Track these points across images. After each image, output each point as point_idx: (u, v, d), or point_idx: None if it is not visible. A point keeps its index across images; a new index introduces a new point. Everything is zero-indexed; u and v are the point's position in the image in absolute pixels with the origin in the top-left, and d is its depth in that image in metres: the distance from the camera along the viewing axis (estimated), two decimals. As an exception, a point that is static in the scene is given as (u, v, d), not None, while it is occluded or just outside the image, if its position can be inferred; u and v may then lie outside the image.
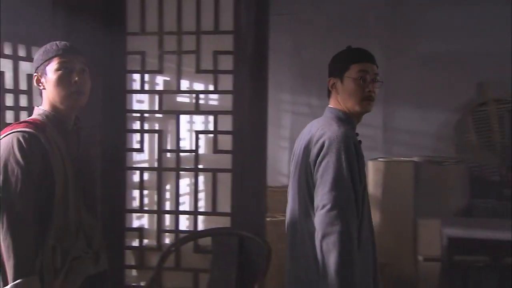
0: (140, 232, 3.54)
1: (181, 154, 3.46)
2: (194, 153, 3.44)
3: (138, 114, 3.52)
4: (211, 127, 3.46)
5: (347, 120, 2.25)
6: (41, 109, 2.10)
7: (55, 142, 2.02)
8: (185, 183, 3.66)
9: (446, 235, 3.73)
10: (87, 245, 2.08)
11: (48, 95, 2.08)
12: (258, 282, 3.07)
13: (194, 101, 3.45)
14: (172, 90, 3.49)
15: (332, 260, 1.99)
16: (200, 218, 3.53)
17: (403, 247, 5.01)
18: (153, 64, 3.48)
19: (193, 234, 3.42)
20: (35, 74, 2.10)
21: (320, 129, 2.16)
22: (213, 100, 3.65)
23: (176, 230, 3.49)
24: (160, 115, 3.56)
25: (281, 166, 6.07)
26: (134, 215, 3.59)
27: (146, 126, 3.53)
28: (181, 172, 3.49)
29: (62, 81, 2.05)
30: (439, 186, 5.19)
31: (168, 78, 3.58)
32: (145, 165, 3.66)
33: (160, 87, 3.61)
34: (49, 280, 1.97)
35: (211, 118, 3.47)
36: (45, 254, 1.96)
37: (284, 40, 5.81)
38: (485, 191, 5.39)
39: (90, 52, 3.29)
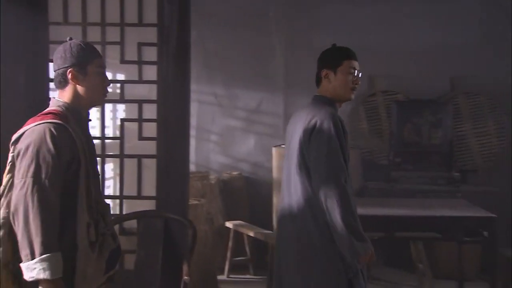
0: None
1: (106, 141, 3.59)
2: (119, 140, 3.57)
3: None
4: (135, 116, 3.60)
5: (332, 104, 2.70)
6: (60, 101, 2.24)
7: (76, 132, 2.16)
8: (109, 168, 3.77)
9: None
10: (104, 223, 2.26)
11: (77, 90, 2.23)
12: (186, 259, 3.29)
13: (119, 90, 3.58)
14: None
15: (337, 215, 2.45)
16: (126, 202, 3.67)
17: (304, 227, 5.42)
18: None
19: (120, 217, 3.56)
20: (71, 68, 2.21)
21: (311, 113, 2.59)
22: (138, 89, 3.78)
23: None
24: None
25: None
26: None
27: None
28: (106, 158, 3.61)
29: (101, 82, 2.26)
30: (336, 170, 5.65)
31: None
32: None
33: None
34: (88, 253, 2.14)
35: (135, 106, 3.62)
36: (81, 230, 2.12)
37: (189, 31, 5.98)
38: (375, 174, 5.92)
39: (12, 40, 3.35)
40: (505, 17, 5.97)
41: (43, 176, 2.06)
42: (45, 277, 2.01)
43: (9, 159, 2.18)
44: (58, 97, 2.27)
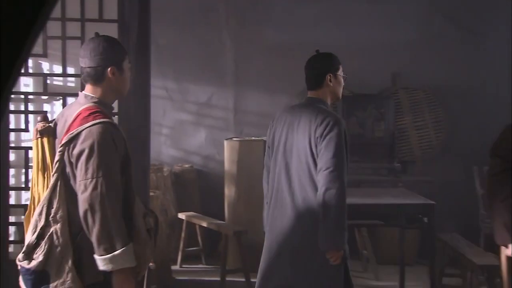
0: (25, 208, 3.65)
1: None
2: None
3: (22, 96, 3.62)
4: (96, 109, 3.68)
5: (328, 106, 3.04)
6: (94, 97, 2.30)
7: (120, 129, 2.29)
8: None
9: None
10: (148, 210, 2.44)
11: (111, 85, 2.32)
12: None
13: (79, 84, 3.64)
14: (58, 73, 3.65)
15: (333, 206, 2.74)
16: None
17: (256, 217, 5.58)
18: (37, 48, 3.59)
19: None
20: (112, 66, 2.29)
21: (322, 114, 2.93)
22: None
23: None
24: (45, 97, 3.70)
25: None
26: (23, 192, 3.70)
27: (31, 108, 3.65)
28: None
29: (129, 78, 2.38)
30: (285, 161, 5.86)
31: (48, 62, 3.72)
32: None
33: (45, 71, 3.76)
34: (147, 240, 2.32)
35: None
36: (138, 221, 2.27)
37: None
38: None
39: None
40: (442, 17, 6.35)
41: (112, 174, 2.17)
42: (129, 265, 2.16)
43: (57, 157, 2.23)
44: (90, 92, 2.33)
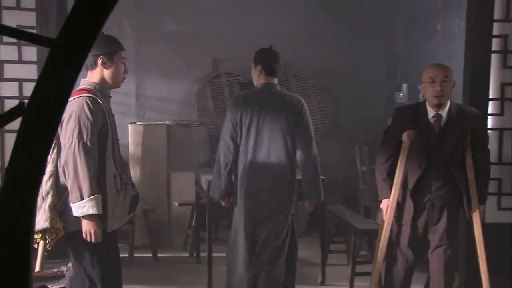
0: None
1: None
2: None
3: None
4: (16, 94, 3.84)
5: None
6: (89, 81, 2.73)
7: (104, 104, 2.68)
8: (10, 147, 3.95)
9: (207, 180, 4.68)
10: (125, 174, 2.82)
11: (104, 73, 2.71)
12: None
13: (-1, 70, 3.79)
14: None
15: (318, 166, 3.79)
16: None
17: (160, 196, 5.91)
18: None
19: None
20: (101, 56, 2.68)
21: (293, 97, 3.83)
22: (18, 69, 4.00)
23: None
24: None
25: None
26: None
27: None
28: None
29: (122, 71, 2.76)
30: (186, 144, 6.22)
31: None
32: None
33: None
34: (115, 197, 2.75)
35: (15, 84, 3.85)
36: (109, 180, 2.65)
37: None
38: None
39: None
40: (326, 12, 7.00)
41: (85, 137, 2.61)
42: (93, 212, 2.59)
43: None
44: (88, 78, 2.78)
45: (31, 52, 3.81)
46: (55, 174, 2.71)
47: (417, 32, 6.49)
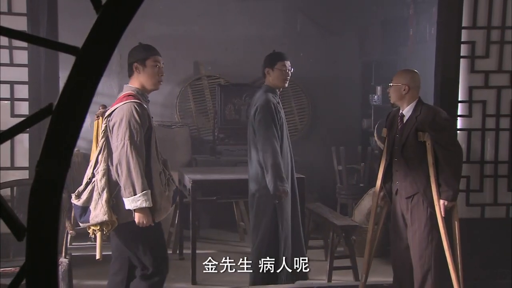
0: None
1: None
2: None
3: None
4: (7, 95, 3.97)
5: (272, 90, 3.91)
6: (132, 87, 3.01)
7: (147, 108, 2.94)
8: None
9: (191, 179, 4.87)
10: (167, 170, 3.11)
11: (140, 79, 2.97)
12: (68, 218, 3.81)
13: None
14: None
15: (269, 163, 3.95)
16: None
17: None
18: None
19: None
20: (135, 63, 2.96)
21: (255, 99, 4.06)
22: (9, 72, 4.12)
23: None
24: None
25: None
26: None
27: None
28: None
29: (156, 73, 3.00)
30: (169, 145, 6.36)
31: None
32: None
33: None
34: (161, 191, 3.07)
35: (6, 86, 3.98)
36: (155, 176, 2.93)
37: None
38: (202, 148, 6.77)
39: None
40: (304, 17, 7.22)
41: (135, 138, 2.87)
42: (146, 205, 2.88)
43: (103, 128, 2.94)
44: (130, 84, 3.07)
45: (22, 55, 3.94)
46: (108, 172, 2.98)
47: (391, 38, 6.76)
